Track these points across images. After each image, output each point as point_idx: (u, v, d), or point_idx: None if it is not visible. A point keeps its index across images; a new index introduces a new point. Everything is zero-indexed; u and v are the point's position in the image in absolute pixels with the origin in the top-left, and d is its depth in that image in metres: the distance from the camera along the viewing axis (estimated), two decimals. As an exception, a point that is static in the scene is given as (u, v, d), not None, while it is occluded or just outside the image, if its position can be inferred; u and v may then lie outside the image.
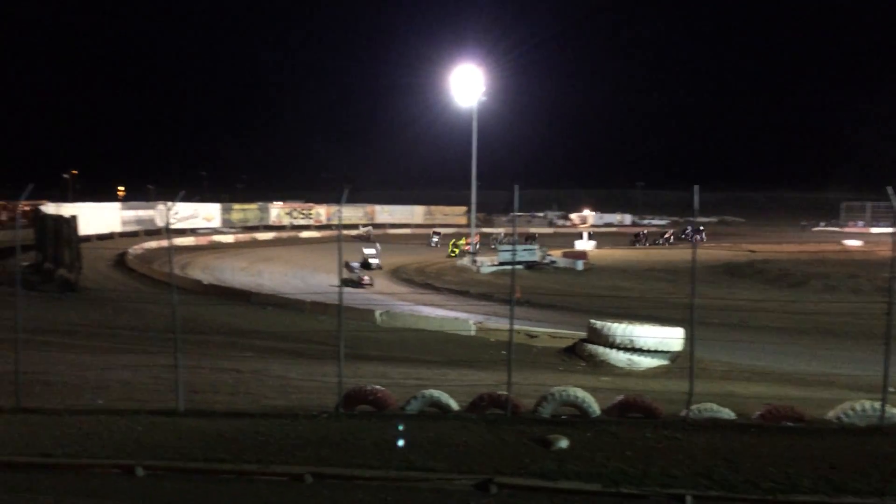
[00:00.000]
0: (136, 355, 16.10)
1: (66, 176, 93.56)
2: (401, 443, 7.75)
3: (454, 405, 9.39)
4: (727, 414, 9.15)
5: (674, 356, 17.51)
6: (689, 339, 10.64)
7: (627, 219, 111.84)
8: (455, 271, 42.30)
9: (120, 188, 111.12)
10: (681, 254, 49.80)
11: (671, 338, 17.34)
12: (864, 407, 8.91)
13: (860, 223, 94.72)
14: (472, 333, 21.14)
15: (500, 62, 73.28)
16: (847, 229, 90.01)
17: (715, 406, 9.28)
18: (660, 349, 17.31)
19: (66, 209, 43.21)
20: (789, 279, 36.59)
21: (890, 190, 9.42)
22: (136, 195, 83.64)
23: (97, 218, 53.23)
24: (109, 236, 53.66)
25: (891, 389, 9.33)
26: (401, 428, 8.25)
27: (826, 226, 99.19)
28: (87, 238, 44.12)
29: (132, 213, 60.12)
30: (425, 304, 28.35)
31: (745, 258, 47.56)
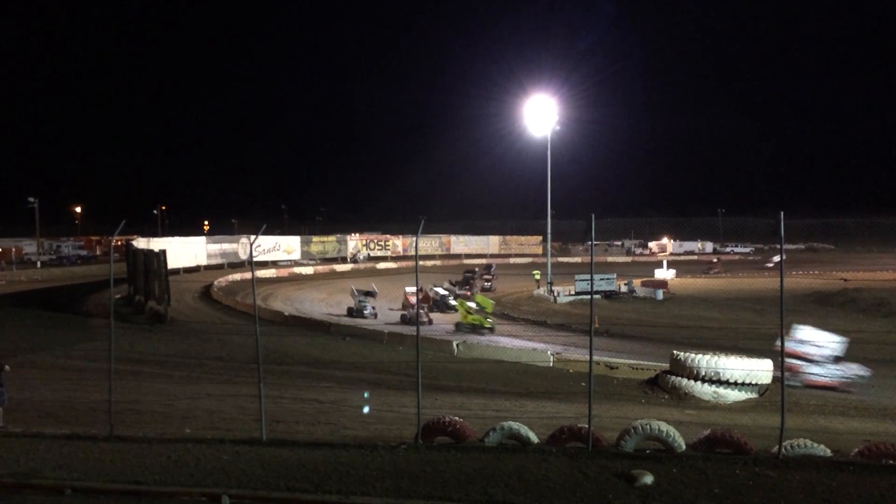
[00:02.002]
0: (221, 385, 16.55)
1: (155, 212, 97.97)
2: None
3: (534, 437, 9.25)
4: (822, 451, 8.70)
5: (762, 389, 16.82)
6: (780, 371, 10.20)
7: (709, 246, 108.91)
8: (532, 301, 41.96)
9: (205, 223, 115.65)
10: (767, 282, 48.06)
11: (759, 370, 16.68)
12: (974, 445, 8.33)
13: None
14: (551, 364, 20.87)
15: (574, 91, 72.87)
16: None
17: (809, 442, 8.84)
18: (747, 381, 16.66)
19: (155, 244, 45.16)
20: (885, 308, 34.71)
21: None
22: (221, 229, 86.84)
23: (184, 252, 55.33)
24: (196, 269, 55.67)
25: None
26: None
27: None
28: (176, 271, 45.91)
29: (217, 247, 62.26)
30: (503, 335, 28.18)
31: (836, 286, 45.49)
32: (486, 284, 46.95)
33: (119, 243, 49.80)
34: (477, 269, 49.54)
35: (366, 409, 13.76)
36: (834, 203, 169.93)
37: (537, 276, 48.82)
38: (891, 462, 8.31)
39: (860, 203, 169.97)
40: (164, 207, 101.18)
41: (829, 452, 8.70)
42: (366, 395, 15.18)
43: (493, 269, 51.03)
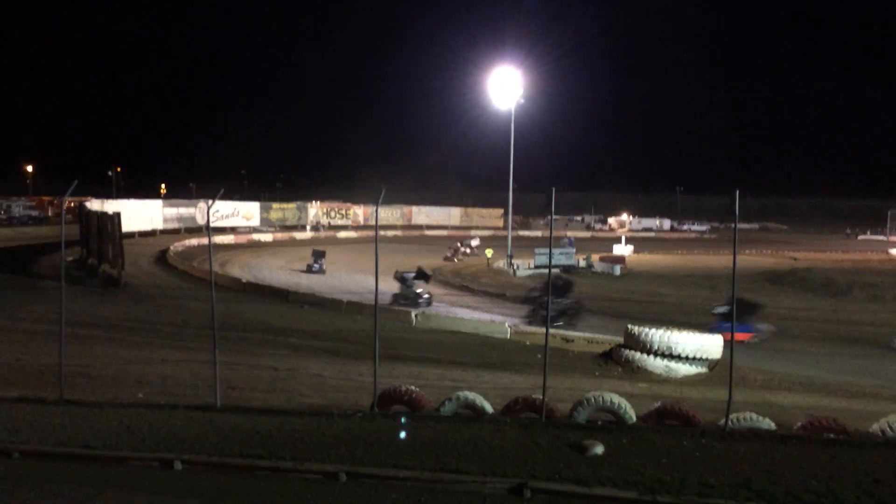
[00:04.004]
0: (176, 351, 16.37)
1: (110, 173, 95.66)
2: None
3: (489, 408, 9.35)
4: (767, 424, 8.96)
5: (712, 364, 17.23)
6: (729, 347, 10.47)
7: (667, 224, 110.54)
8: (492, 274, 42.23)
9: (162, 185, 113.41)
10: (721, 260, 49.05)
11: (710, 345, 17.07)
12: (910, 420, 8.67)
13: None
14: (508, 336, 21.07)
15: (539, 65, 73.20)
16: (894, 238, 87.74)
17: (755, 416, 9.10)
18: (698, 356, 17.04)
19: (110, 206, 44.19)
20: (832, 288, 35.81)
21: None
22: (178, 193, 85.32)
23: (140, 215, 54.33)
24: (152, 233, 54.73)
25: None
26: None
27: (872, 234, 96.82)
28: (130, 235, 45.08)
29: (174, 211, 61.23)
30: (461, 307, 28.33)
31: (787, 266, 46.68)
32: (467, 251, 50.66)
33: (72, 205, 48.54)
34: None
35: None
36: (789, 184, 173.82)
37: (489, 255, 49.25)
38: (832, 436, 8.60)
39: (814, 185, 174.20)
40: (119, 169, 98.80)
41: (773, 426, 8.97)
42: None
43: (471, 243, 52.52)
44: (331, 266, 40.99)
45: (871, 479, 6.91)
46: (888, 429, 8.69)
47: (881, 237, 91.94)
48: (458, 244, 54.10)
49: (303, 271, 39.53)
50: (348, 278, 37.16)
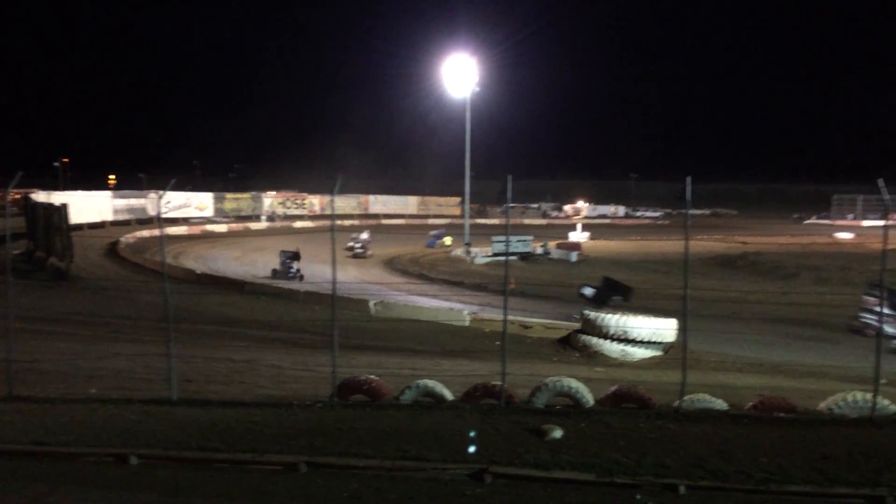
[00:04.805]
0: (129, 344, 16.05)
1: (56, 164, 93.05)
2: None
3: (448, 395, 9.40)
4: (720, 405, 9.18)
5: (667, 347, 17.58)
6: (683, 331, 10.67)
7: (621, 210, 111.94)
8: (449, 262, 42.31)
9: (111, 177, 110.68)
10: (674, 245, 49.90)
11: (664, 329, 17.41)
12: (855, 398, 8.96)
13: (850, 216, 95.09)
14: (467, 324, 21.16)
15: (495, 52, 73.05)
16: (839, 222, 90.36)
17: (707, 397, 9.31)
18: (653, 340, 17.37)
19: (56, 197, 42.96)
20: (781, 271, 36.76)
21: (880, 182, 9.44)
22: (128, 184, 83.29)
23: (88, 206, 52.98)
24: (101, 225, 53.43)
25: (882, 381, 9.39)
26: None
27: (818, 219, 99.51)
28: (79, 227, 43.94)
29: (124, 202, 59.83)
30: (420, 295, 28.34)
31: (737, 250, 47.73)
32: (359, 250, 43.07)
33: (17, 197, 47.08)
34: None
35: None
36: (739, 170, 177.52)
37: (448, 242, 49.35)
38: (782, 415, 8.85)
39: (762, 171, 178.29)
40: (65, 160, 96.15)
41: (725, 406, 9.19)
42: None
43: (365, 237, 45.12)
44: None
45: (820, 456, 7.15)
46: (835, 407, 8.97)
47: (827, 221, 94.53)
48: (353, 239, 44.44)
49: (269, 278, 32.63)
50: (305, 268, 36.84)
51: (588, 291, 21.64)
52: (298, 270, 32.67)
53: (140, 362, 13.52)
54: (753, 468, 6.77)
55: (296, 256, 33.07)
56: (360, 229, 48.91)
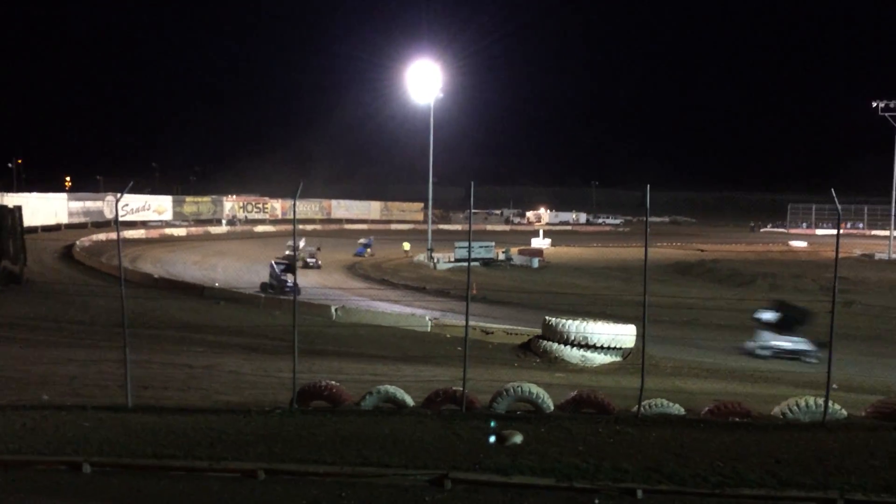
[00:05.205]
0: (84, 350, 15.72)
1: (10, 165, 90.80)
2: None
3: (409, 401, 9.38)
4: (677, 410, 9.33)
5: (626, 353, 17.78)
6: (641, 337, 10.82)
7: (583, 217, 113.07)
8: (412, 267, 42.26)
9: (67, 178, 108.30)
10: (634, 252, 50.57)
11: (624, 335, 17.60)
12: (808, 403, 9.18)
13: (804, 225, 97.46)
14: (428, 329, 21.15)
15: (458, 59, 73.24)
16: (793, 231, 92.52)
17: (665, 402, 9.45)
18: (613, 346, 17.55)
19: (10, 199, 41.97)
20: (737, 278, 37.47)
21: (833, 192, 9.71)
22: (85, 186, 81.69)
23: (43, 209, 51.88)
24: (56, 228, 52.31)
25: (834, 386, 9.63)
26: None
27: (773, 227, 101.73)
28: (33, 229, 42.95)
29: (80, 205, 58.68)
30: (381, 300, 28.25)
31: (695, 258, 48.55)
32: (311, 261, 38.95)
33: (-32, 198, 45.86)
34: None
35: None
36: (697, 179, 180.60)
37: (406, 248, 49.35)
38: (737, 419, 9.02)
39: (720, 180, 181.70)
40: (20, 161, 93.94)
41: (682, 411, 9.34)
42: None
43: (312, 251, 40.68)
44: (248, 261, 40.18)
45: (773, 460, 7.30)
46: (788, 411, 9.17)
47: (782, 230, 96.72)
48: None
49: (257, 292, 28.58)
50: (266, 272, 36.49)
51: (769, 316, 19.45)
52: (296, 284, 27.13)
53: (94, 368, 13.24)
54: (709, 472, 6.89)
55: (289, 268, 28.62)
56: (323, 234, 48.01)
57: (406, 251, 48.85)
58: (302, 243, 38.80)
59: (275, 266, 29.17)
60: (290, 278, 27.85)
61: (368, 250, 47.21)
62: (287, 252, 36.51)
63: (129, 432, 8.06)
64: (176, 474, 6.98)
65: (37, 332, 18.19)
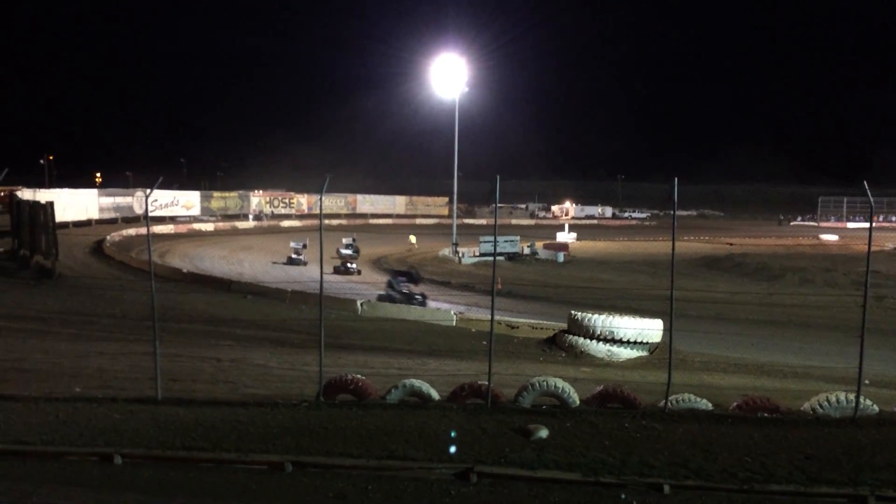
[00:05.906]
0: (114, 343, 15.94)
1: (42, 161, 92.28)
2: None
3: (435, 395, 9.40)
4: (704, 405, 9.24)
5: (653, 347, 17.64)
6: (668, 331, 10.74)
7: (608, 211, 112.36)
8: (437, 262, 42.31)
9: (97, 174, 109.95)
10: (661, 246, 50.15)
11: (650, 329, 17.47)
12: (838, 398, 9.04)
13: (833, 218, 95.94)
14: (453, 324, 21.15)
15: (483, 53, 73.00)
16: (823, 224, 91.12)
17: (693, 397, 9.37)
18: (639, 340, 17.42)
19: (42, 195, 42.64)
20: (766, 272, 36.99)
21: (866, 184, 9.53)
22: (114, 182, 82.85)
23: (74, 204, 52.63)
24: (87, 223, 53.06)
25: (865, 382, 9.48)
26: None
27: (803, 220, 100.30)
28: (64, 225, 43.60)
29: (110, 200, 59.45)
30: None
31: (723, 251, 48.03)
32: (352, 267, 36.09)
33: (2, 194, 46.74)
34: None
35: None
36: (726, 172, 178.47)
37: (413, 241, 49.44)
38: (765, 415, 8.91)
39: (749, 173, 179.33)
40: (51, 157, 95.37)
41: (710, 406, 9.25)
42: None
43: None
44: (274, 255, 40.50)
45: (803, 456, 7.21)
46: (818, 407, 9.04)
47: (812, 223, 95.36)
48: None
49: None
50: (293, 267, 36.76)
51: (402, 278, 20.08)
52: (422, 293, 25.56)
53: (125, 361, 13.44)
54: (737, 468, 6.82)
55: (413, 277, 26.42)
56: (348, 229, 48.20)
57: (412, 243, 49.00)
58: (346, 241, 37.30)
59: (395, 280, 26.73)
60: (413, 288, 26.18)
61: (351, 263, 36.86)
62: (395, 267, 34.30)
63: (159, 424, 8.18)
64: (204, 466, 7.07)
65: (68, 325, 18.48)
